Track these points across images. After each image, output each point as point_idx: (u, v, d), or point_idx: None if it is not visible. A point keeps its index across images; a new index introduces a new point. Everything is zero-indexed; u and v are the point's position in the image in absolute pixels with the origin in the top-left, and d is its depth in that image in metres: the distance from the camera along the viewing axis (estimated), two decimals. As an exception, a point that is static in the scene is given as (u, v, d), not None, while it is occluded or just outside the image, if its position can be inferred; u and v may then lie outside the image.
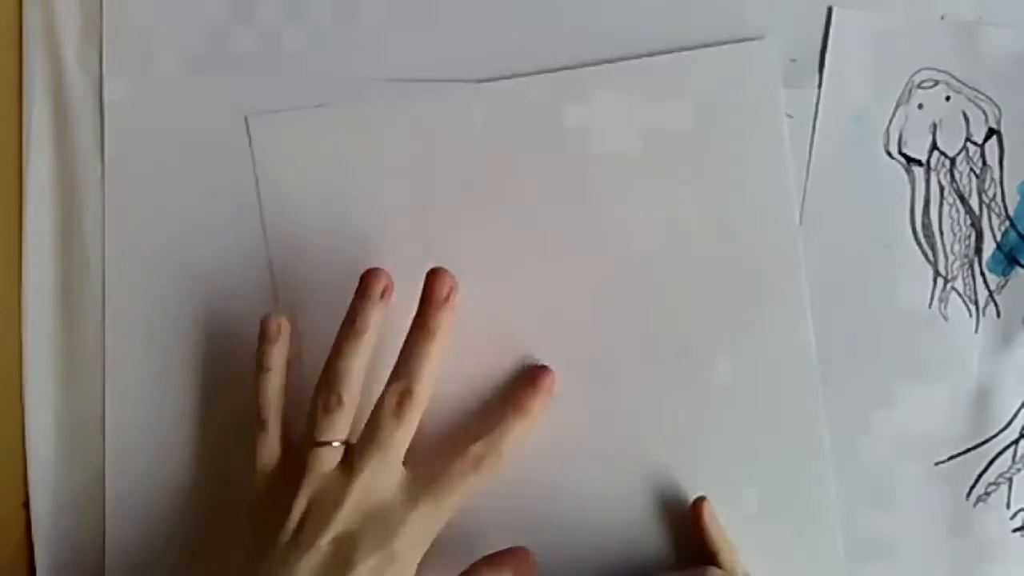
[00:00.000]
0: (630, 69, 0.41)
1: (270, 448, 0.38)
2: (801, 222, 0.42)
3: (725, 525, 0.40)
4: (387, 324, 0.39)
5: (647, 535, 0.41)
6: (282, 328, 0.39)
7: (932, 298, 0.42)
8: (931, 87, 0.42)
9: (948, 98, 0.42)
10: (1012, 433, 0.42)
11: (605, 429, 0.41)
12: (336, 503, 0.36)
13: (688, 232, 0.41)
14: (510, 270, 0.42)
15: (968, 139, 0.42)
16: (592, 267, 0.42)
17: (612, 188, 0.42)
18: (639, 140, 0.42)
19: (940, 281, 0.42)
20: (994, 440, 0.42)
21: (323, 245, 0.42)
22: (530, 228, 0.42)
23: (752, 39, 0.41)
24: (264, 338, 0.39)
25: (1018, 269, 0.42)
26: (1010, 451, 0.42)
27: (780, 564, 0.41)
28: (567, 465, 0.41)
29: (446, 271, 0.38)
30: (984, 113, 0.42)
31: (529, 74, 0.42)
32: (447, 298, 0.38)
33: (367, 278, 0.38)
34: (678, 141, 0.41)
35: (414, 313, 0.38)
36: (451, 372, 0.40)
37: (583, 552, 0.41)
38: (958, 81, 0.42)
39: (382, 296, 0.38)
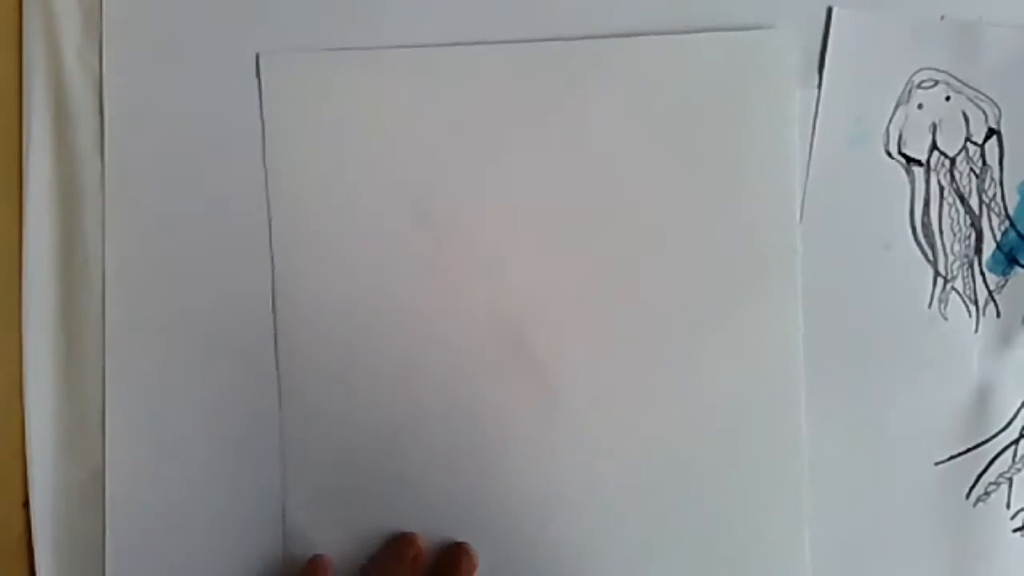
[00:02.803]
0: (638, 45, 0.41)
1: None
2: (801, 222, 0.42)
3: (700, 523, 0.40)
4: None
5: (623, 521, 0.42)
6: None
7: (932, 298, 0.42)
8: (931, 87, 0.42)
9: (948, 98, 0.42)
10: (1012, 433, 0.42)
11: (589, 416, 0.41)
12: None
13: (686, 215, 0.41)
14: (504, 236, 0.42)
15: (968, 139, 0.42)
16: (587, 244, 0.42)
17: (611, 163, 0.41)
18: (641, 117, 0.41)
19: (940, 281, 0.42)
20: (994, 440, 0.42)
21: (325, 210, 0.42)
22: (527, 198, 0.42)
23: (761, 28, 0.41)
24: None
25: (1018, 269, 0.42)
26: (1010, 451, 0.42)
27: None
28: (548, 453, 0.42)
29: (472, 552, 0.41)
30: (984, 113, 0.42)
31: (541, 40, 0.42)
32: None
33: (401, 543, 0.41)
34: (680, 121, 0.41)
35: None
36: (439, 335, 0.40)
37: (554, 535, 0.41)
38: (958, 81, 0.42)
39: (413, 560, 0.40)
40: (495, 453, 0.42)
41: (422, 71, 0.42)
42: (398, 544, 0.41)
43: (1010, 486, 0.42)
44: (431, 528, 0.41)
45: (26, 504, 0.42)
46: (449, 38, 0.42)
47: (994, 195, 0.42)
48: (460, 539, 0.41)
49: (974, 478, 0.42)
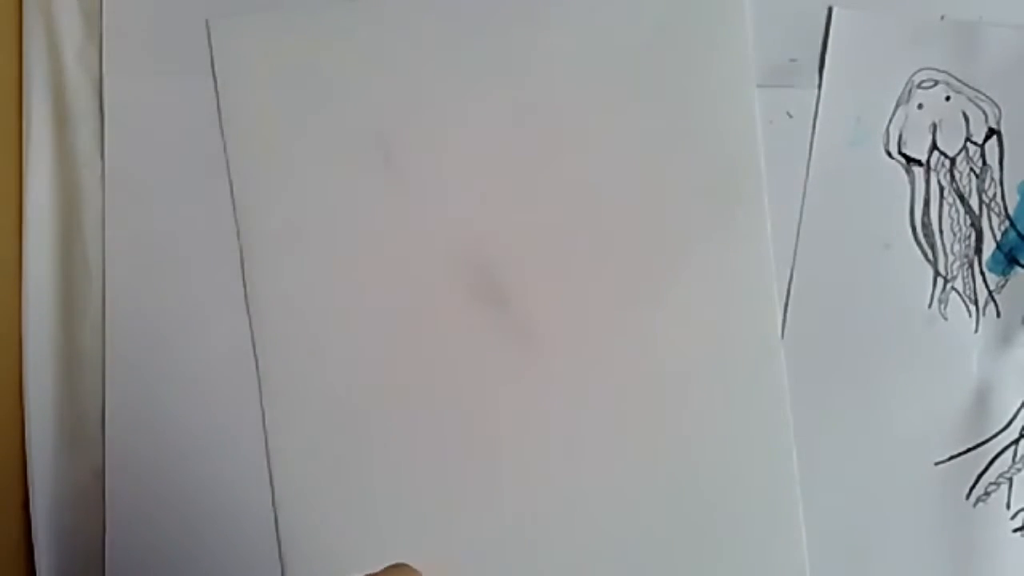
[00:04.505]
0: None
1: None
2: (801, 222, 0.42)
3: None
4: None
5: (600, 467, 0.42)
6: None
7: (932, 298, 0.42)
8: (931, 87, 0.42)
9: (948, 98, 0.42)
10: (1012, 433, 0.42)
11: (561, 358, 0.42)
12: None
13: (651, 151, 0.42)
14: (467, 185, 0.42)
15: (968, 139, 0.42)
16: (553, 183, 0.42)
17: (576, 103, 0.42)
18: (599, 57, 0.42)
19: (940, 281, 0.42)
20: (994, 440, 0.42)
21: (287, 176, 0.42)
22: (486, 145, 0.42)
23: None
24: None
25: (1018, 269, 0.42)
26: (1010, 451, 0.42)
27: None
28: (519, 391, 0.42)
29: None
30: (984, 113, 0.42)
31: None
32: None
33: None
34: (638, 61, 0.42)
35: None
36: (399, 284, 0.41)
37: (526, 472, 0.42)
38: (958, 81, 0.42)
39: None
40: (469, 398, 0.42)
41: (373, 21, 0.42)
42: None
43: (1010, 486, 0.42)
44: (408, 468, 0.41)
45: (26, 505, 0.42)
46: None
47: (994, 195, 0.42)
48: (436, 481, 0.40)
49: (974, 478, 0.42)
